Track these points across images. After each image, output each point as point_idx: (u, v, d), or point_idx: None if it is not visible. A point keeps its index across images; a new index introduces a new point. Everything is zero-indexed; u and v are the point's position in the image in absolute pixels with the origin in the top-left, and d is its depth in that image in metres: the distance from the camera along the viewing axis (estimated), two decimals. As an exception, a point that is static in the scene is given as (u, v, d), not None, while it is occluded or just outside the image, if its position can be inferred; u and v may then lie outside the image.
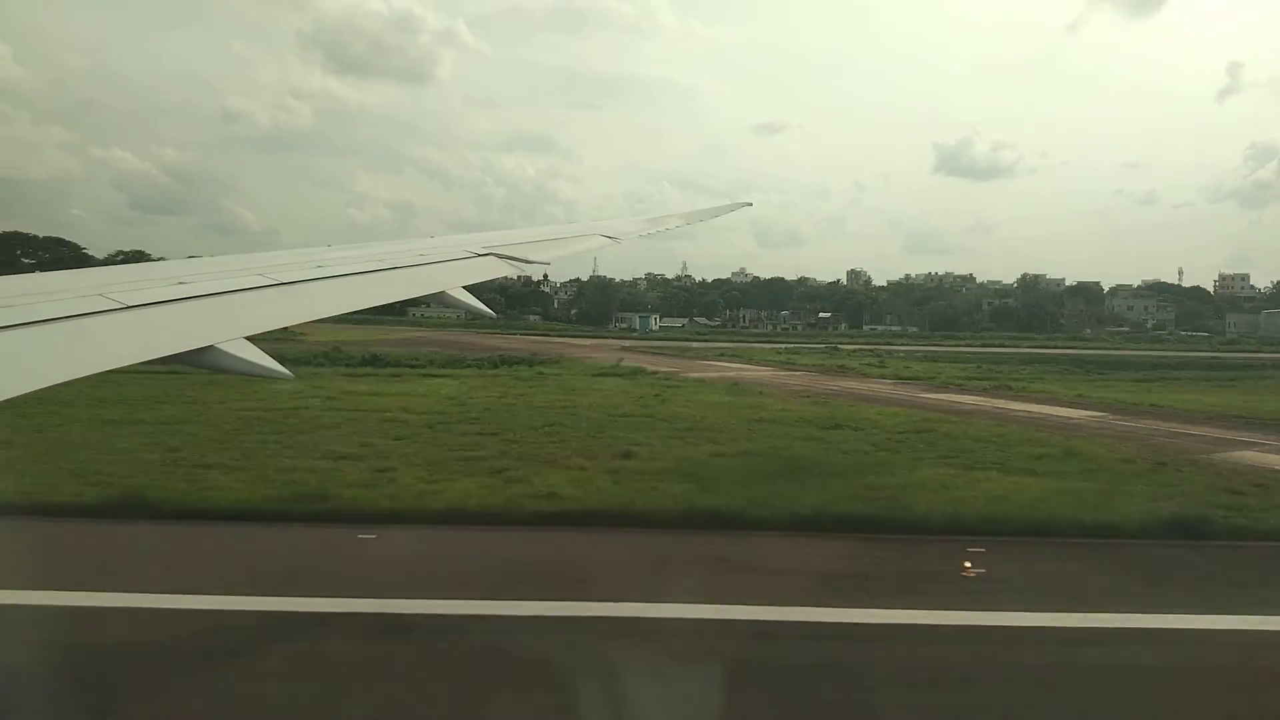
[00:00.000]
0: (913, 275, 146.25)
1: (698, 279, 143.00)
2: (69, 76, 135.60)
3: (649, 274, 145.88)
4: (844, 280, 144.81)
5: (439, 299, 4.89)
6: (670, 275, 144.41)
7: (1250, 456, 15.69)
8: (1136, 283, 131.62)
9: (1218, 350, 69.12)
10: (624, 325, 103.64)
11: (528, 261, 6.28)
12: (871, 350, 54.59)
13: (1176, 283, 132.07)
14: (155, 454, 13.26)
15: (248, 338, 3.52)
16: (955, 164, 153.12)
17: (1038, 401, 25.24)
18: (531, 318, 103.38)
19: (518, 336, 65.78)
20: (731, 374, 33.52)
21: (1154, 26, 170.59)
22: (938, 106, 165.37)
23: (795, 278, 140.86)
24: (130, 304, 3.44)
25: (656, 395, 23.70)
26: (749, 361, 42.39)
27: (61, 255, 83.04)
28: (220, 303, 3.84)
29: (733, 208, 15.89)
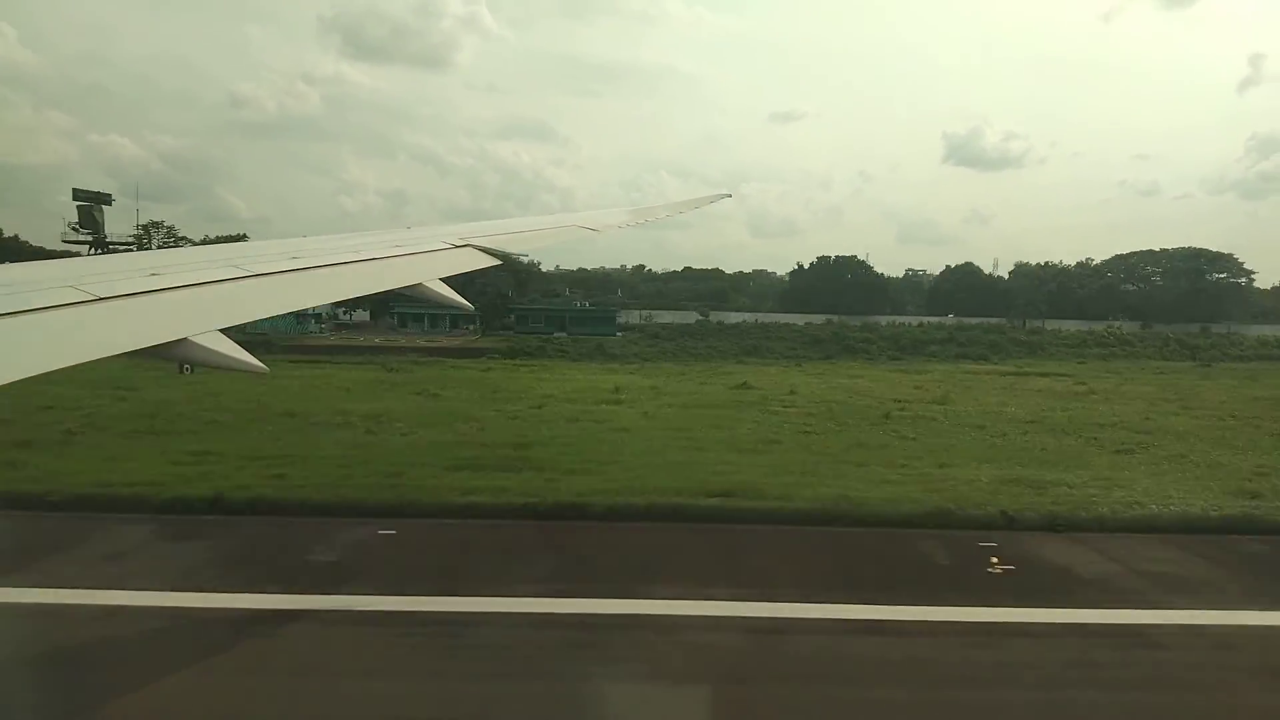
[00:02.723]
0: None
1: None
2: (76, 61, 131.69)
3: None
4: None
5: (416, 292, 4.91)
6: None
7: None
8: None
9: None
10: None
11: (506, 253, 6.31)
12: None
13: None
14: None
15: (221, 330, 3.53)
16: (964, 154, 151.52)
17: None
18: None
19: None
20: None
21: (1188, 16, 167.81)
22: (954, 96, 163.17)
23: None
24: (102, 296, 3.44)
25: None
26: None
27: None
28: (193, 295, 3.84)
29: (715, 199, 15.98)
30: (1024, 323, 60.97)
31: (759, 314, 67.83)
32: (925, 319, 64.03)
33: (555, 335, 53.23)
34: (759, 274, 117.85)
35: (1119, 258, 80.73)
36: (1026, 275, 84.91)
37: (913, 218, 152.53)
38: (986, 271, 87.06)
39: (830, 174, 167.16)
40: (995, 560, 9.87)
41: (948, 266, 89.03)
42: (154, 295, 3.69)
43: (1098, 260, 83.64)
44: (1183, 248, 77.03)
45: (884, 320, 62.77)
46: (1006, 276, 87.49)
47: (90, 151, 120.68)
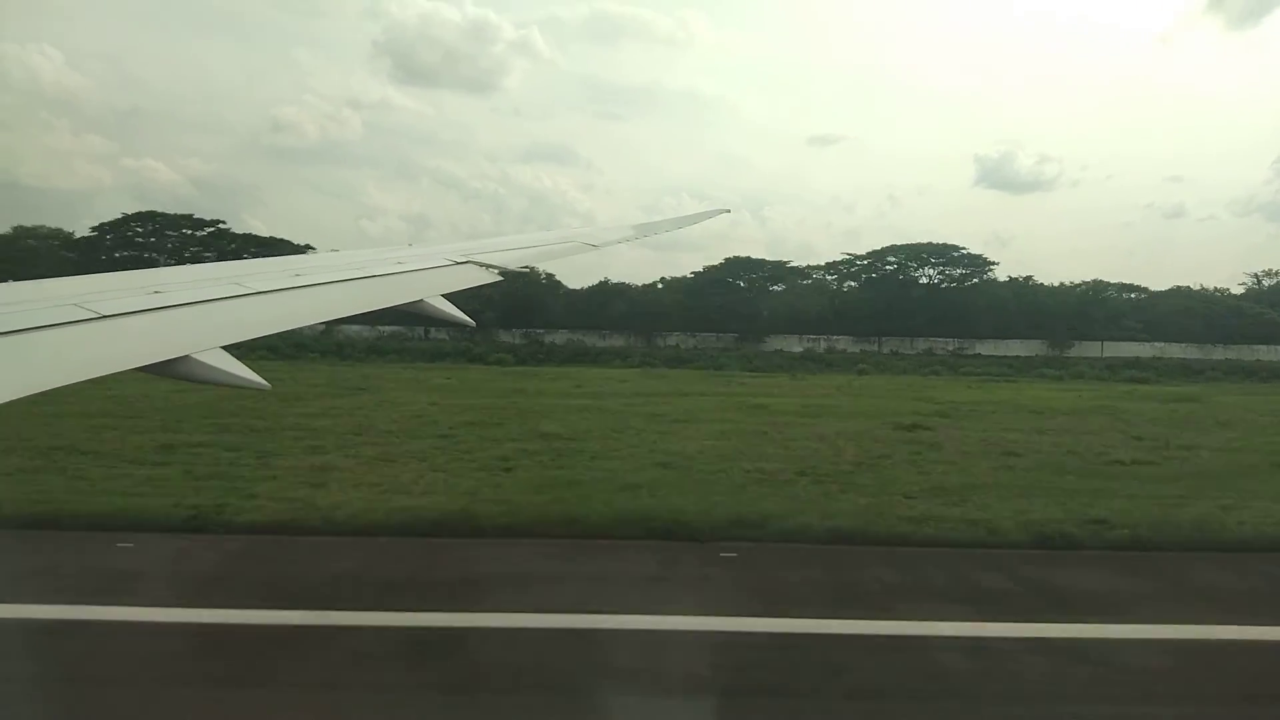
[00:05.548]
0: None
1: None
2: (123, 86, 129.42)
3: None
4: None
5: (418, 308, 4.90)
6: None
7: None
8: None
9: None
10: None
11: (507, 269, 6.31)
12: None
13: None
14: None
15: (223, 347, 3.53)
16: (996, 177, 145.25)
17: None
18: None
19: None
20: None
21: (1249, 39, 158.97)
22: (993, 119, 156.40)
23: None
24: (105, 314, 3.44)
25: None
26: None
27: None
28: (195, 312, 3.84)
29: (714, 214, 16.04)
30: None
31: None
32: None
33: None
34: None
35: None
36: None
37: (932, 240, 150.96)
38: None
39: (856, 197, 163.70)
40: None
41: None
42: (156, 313, 3.69)
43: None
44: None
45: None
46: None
47: (123, 175, 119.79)
